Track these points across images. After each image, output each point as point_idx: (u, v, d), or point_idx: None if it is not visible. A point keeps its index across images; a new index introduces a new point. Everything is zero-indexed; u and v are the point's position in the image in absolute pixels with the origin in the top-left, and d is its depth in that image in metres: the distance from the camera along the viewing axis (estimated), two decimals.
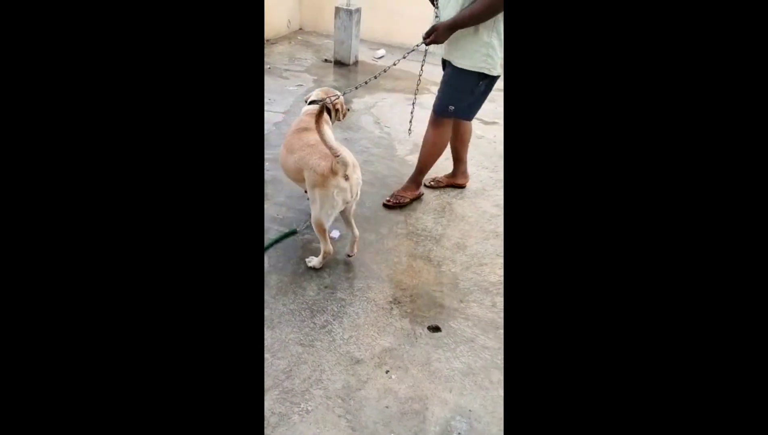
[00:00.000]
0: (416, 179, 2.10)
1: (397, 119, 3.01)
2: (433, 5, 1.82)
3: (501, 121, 3.17)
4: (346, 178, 1.43)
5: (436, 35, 1.71)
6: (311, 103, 1.81)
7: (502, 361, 1.34)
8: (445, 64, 1.92)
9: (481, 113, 3.29)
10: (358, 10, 3.77)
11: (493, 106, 3.38)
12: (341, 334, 1.39)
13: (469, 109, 1.90)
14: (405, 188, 2.11)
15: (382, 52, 4.36)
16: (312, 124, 1.47)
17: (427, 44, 1.77)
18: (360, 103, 3.22)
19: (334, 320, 1.43)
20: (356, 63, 3.97)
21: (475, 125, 3.08)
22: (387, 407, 1.18)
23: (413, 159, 2.53)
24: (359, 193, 1.57)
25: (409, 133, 2.15)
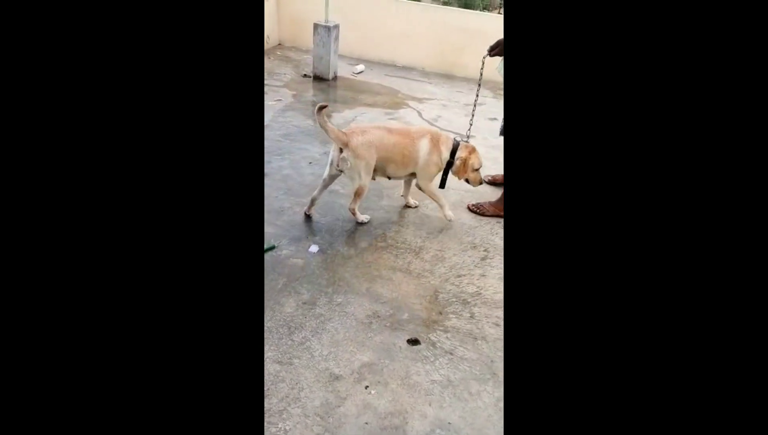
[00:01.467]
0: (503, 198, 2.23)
1: None
2: None
3: (477, 135, 3.25)
4: (340, 150, 1.88)
5: (500, 49, 1.95)
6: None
7: (481, 373, 1.36)
8: None
9: (456, 127, 3.35)
10: (337, 26, 3.84)
11: (468, 120, 3.47)
12: (320, 350, 1.37)
13: None
14: (492, 203, 2.24)
15: (361, 67, 4.43)
16: (394, 130, 2.03)
17: (491, 55, 2.02)
18: (339, 117, 3.25)
19: (312, 337, 1.42)
20: (335, 78, 4.02)
21: None
22: (366, 423, 1.17)
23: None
24: (344, 171, 1.92)
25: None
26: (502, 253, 1.97)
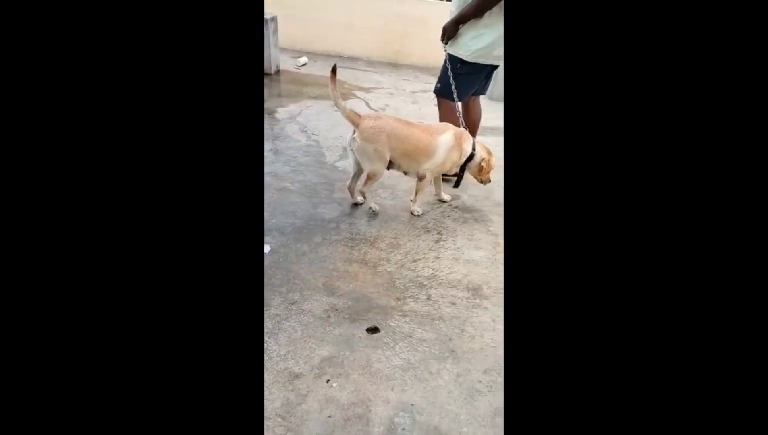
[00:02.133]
0: None
1: (324, 126, 3.00)
2: None
3: (425, 121, 3.29)
4: (354, 132, 1.96)
5: (447, 33, 2.07)
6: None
7: (440, 351, 1.39)
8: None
9: (404, 114, 3.37)
10: (274, 19, 3.71)
11: (417, 108, 3.50)
12: (277, 350, 1.34)
13: (447, 89, 2.19)
14: None
15: (304, 59, 4.33)
16: (414, 123, 2.02)
17: (445, 42, 2.11)
18: (285, 111, 3.16)
19: (269, 338, 1.39)
20: (278, 72, 3.90)
21: None
22: (330, 417, 1.17)
23: (343, 165, 2.54)
24: (354, 153, 2.00)
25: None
26: (455, 235, 2.02)
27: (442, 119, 2.25)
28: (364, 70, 4.36)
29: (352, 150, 1.97)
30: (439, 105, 2.31)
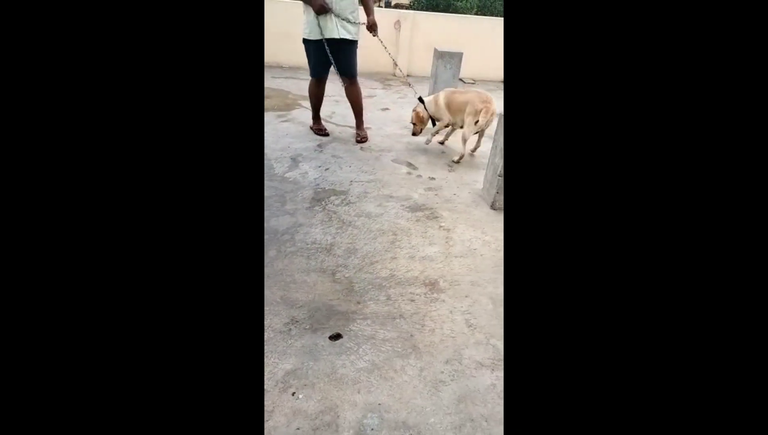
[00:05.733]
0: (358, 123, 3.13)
1: (269, 138, 2.96)
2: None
3: (372, 126, 3.34)
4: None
5: (375, 26, 2.72)
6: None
7: (402, 348, 1.43)
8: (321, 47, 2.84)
9: (350, 121, 3.39)
10: None
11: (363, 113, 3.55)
12: None
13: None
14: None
15: None
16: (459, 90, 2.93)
17: (375, 35, 2.75)
18: None
19: None
20: None
21: (345, 131, 3.19)
22: (298, 429, 1.16)
23: (294, 175, 2.52)
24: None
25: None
26: (409, 234, 2.08)
27: (357, 96, 2.96)
28: (307, 79, 4.34)
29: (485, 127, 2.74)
30: (354, 85, 2.91)
